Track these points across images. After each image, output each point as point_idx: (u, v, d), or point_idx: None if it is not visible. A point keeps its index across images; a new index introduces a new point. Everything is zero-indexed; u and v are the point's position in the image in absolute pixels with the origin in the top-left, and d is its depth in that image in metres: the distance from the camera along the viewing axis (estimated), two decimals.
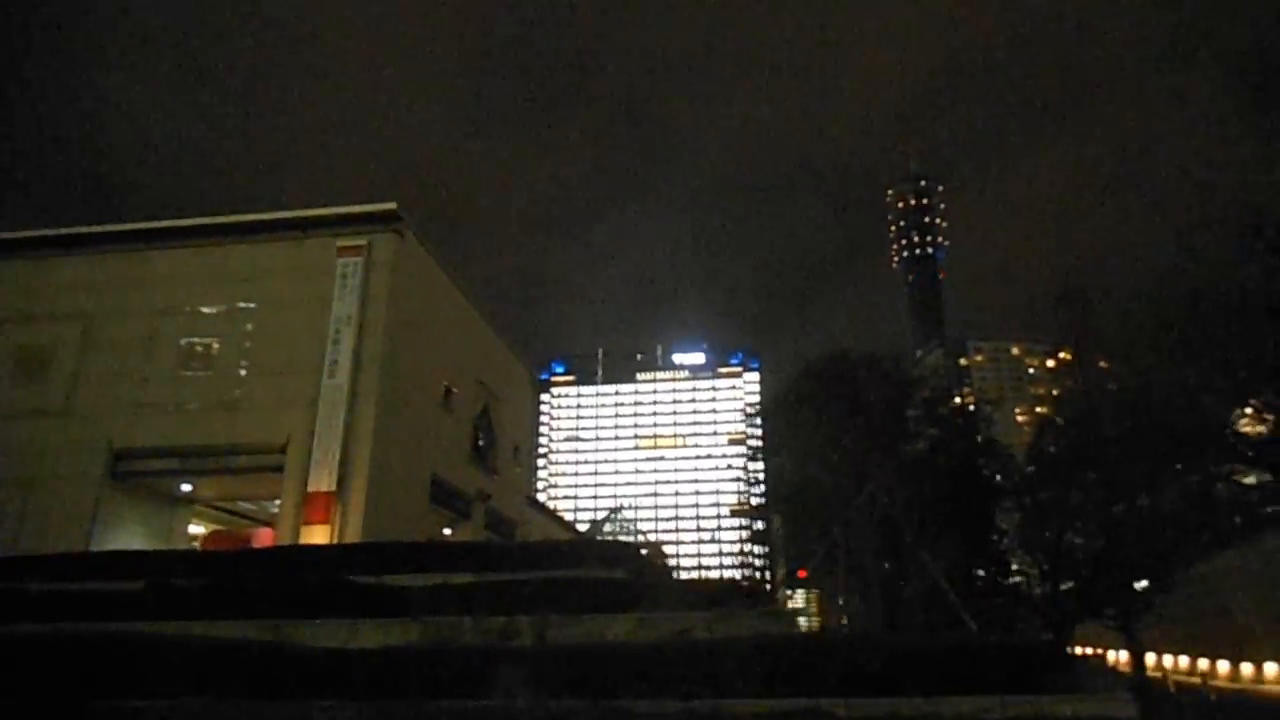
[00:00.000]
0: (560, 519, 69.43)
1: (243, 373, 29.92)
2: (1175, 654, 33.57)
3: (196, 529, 34.95)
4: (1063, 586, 33.59)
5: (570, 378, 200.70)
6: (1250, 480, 33.83)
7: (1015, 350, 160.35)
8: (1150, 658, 36.30)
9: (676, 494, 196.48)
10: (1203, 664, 30.06)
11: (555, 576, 14.51)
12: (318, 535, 27.27)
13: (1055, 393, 56.01)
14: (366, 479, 28.25)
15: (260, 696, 9.01)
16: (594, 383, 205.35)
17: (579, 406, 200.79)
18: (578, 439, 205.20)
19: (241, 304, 30.60)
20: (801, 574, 49.29)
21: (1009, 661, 8.97)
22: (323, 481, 28.07)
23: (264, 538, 31.26)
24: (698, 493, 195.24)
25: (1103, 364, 44.28)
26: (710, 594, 15.66)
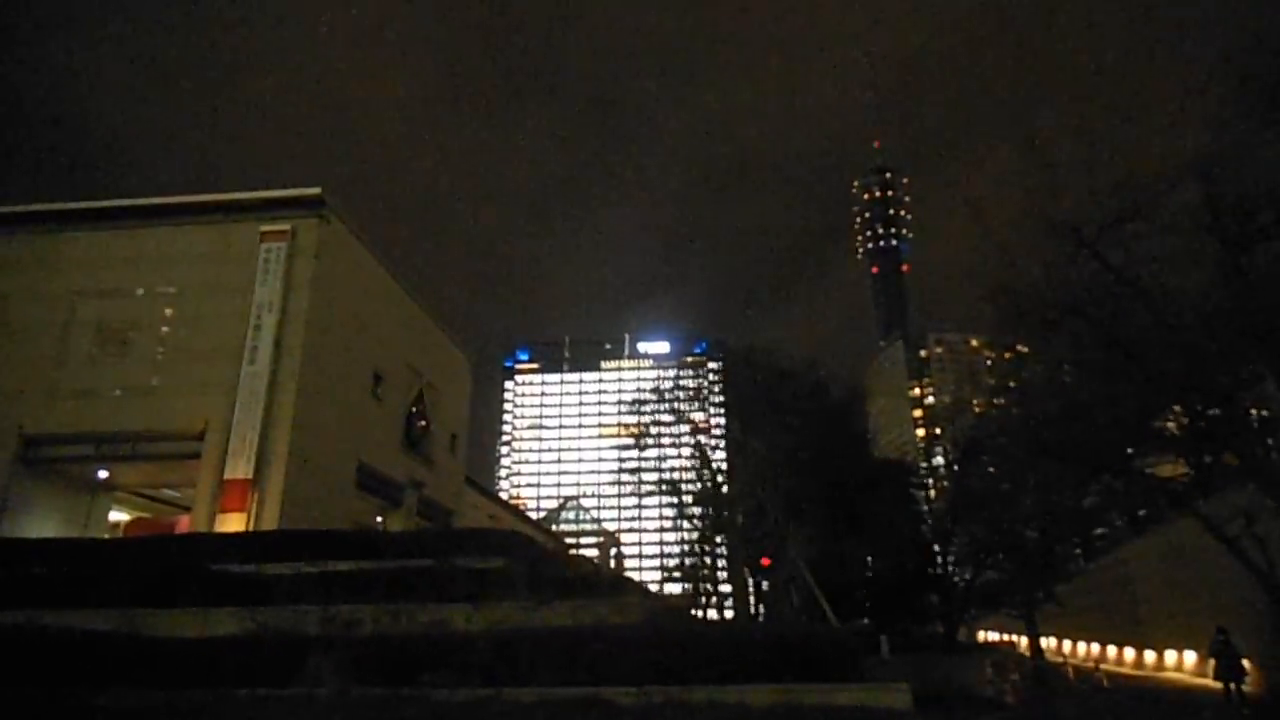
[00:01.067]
0: (506, 504, 69.35)
1: (160, 358, 29.54)
2: (1086, 641, 34.33)
3: (120, 516, 34.51)
4: (980, 579, 34.33)
5: (534, 365, 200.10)
6: (1166, 472, 34.68)
7: (974, 343, 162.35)
8: (1066, 645, 37.28)
9: (640, 482, 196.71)
10: (1111, 651, 30.77)
11: (426, 566, 14.55)
12: (233, 523, 27.03)
13: (993, 383, 56.64)
14: (285, 466, 28.04)
15: (63, 683, 8.95)
16: (560, 371, 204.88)
17: (543, 394, 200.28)
18: (541, 427, 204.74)
19: (161, 288, 30.16)
20: (765, 562, 49.80)
21: (809, 651, 9.17)
22: (239, 469, 27.82)
23: (186, 525, 30.94)
24: (660, 481, 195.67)
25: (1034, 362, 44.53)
26: (591, 584, 15.75)
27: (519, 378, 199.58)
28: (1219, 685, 19.15)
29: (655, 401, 51.12)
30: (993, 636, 49.62)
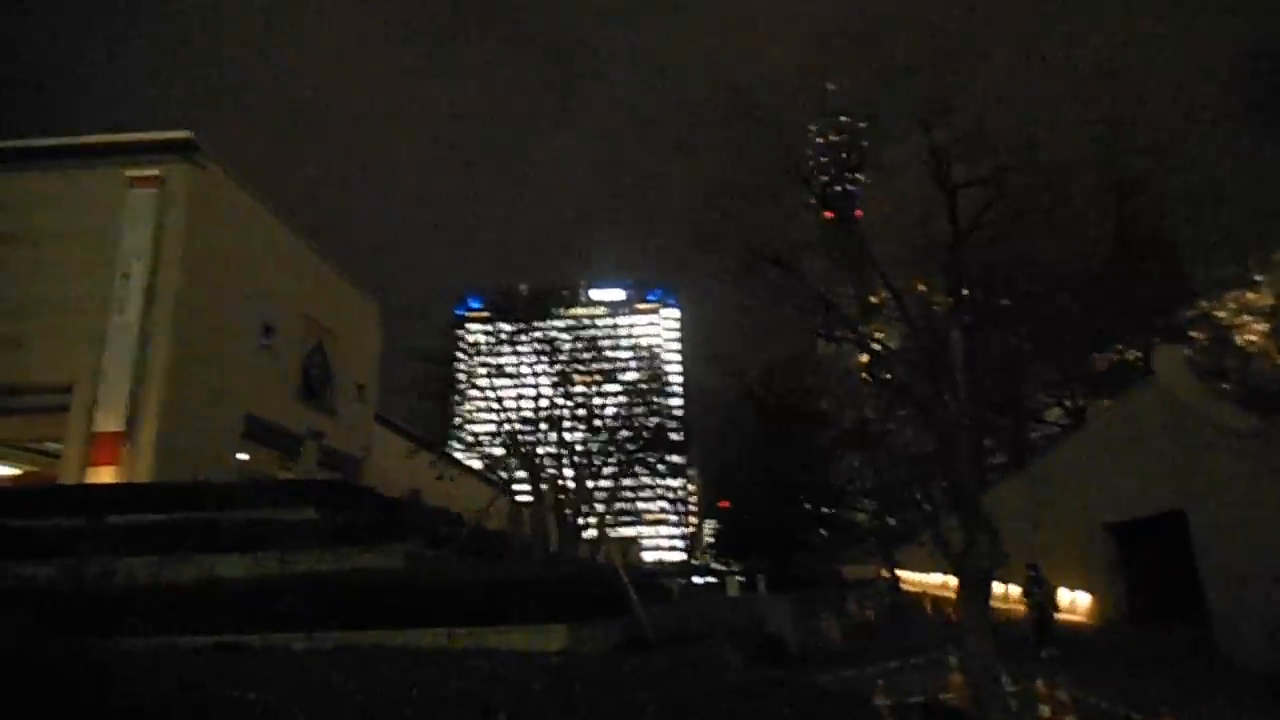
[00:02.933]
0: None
1: (24, 309, 28.63)
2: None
3: (8, 470, 33.85)
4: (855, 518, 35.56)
5: (486, 313, 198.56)
6: (1051, 417, 36.06)
7: (922, 287, 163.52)
8: (948, 580, 38.61)
9: (591, 429, 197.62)
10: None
11: (210, 518, 14.52)
12: (105, 476, 26.65)
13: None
14: (158, 418, 27.65)
15: None
16: (513, 319, 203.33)
17: (496, 342, 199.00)
18: (494, 375, 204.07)
19: (22, 235, 29.11)
20: (723, 505, 51.04)
21: (495, 596, 9.43)
22: (110, 422, 27.36)
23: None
24: (607, 427, 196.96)
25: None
26: (407, 533, 15.82)
27: (471, 326, 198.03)
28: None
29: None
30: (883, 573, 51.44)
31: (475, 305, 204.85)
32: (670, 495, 55.01)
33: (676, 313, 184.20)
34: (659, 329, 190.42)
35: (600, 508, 27.11)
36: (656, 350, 26.66)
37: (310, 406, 38.28)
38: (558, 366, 24.40)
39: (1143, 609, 21.19)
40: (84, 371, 27.67)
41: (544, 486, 18.68)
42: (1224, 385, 26.27)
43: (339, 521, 15.60)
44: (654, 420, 25.88)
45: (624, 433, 23.18)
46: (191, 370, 29.05)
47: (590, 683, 6.76)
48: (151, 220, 28.89)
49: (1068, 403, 35.27)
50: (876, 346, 15.86)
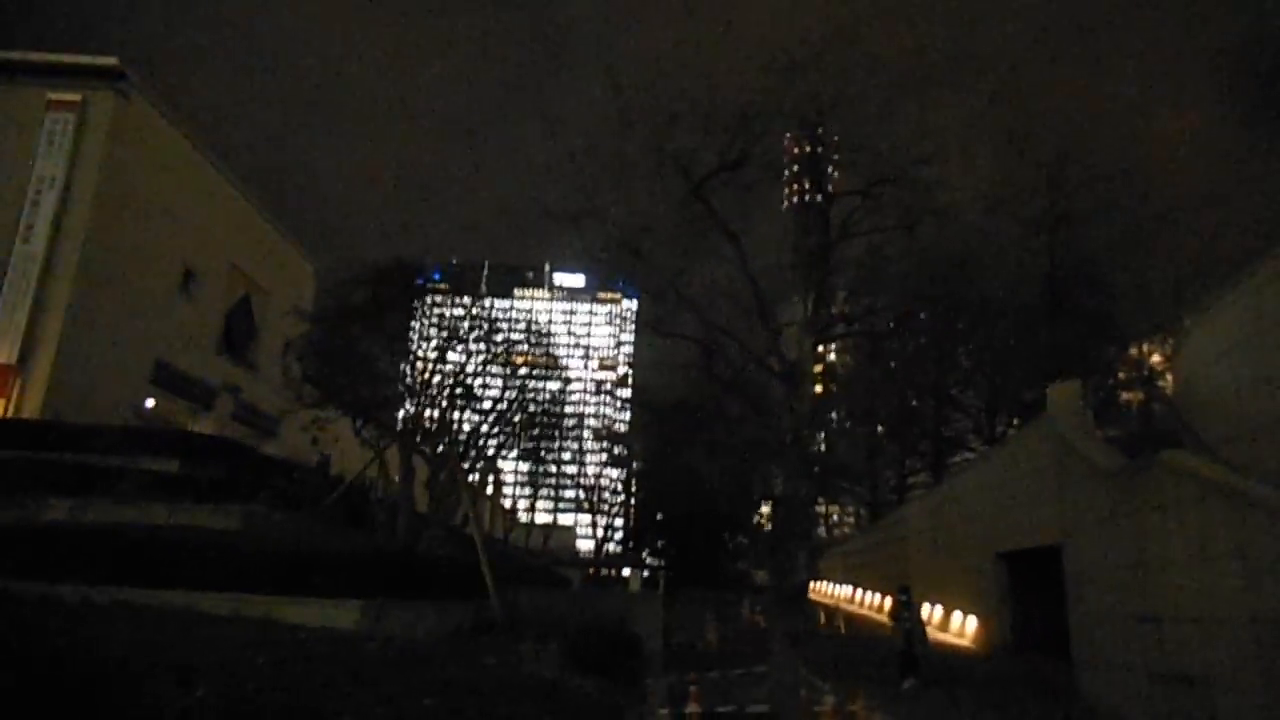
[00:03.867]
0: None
1: None
2: (872, 590, 35.59)
3: None
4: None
5: (444, 287, 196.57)
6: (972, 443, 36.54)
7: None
8: (856, 593, 38.98)
9: (543, 413, 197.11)
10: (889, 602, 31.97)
11: (78, 460, 13.79)
12: None
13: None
14: (54, 354, 26.51)
15: None
16: (474, 295, 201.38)
17: (452, 318, 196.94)
18: (448, 349, 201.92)
19: None
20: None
21: (296, 566, 8.96)
22: (1, 353, 26.19)
23: None
24: (563, 414, 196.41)
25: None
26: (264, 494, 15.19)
27: (429, 298, 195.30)
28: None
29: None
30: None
31: (436, 278, 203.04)
32: (586, 484, 54.69)
33: (635, 304, 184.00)
34: (614, 319, 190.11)
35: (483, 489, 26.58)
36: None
37: (230, 360, 37.15)
38: (490, 347, 23.83)
39: (1026, 640, 21.29)
40: None
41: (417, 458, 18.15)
42: (1106, 428, 26.63)
43: (194, 475, 14.96)
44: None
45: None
46: (98, 308, 27.91)
47: (329, 659, 6.33)
48: (67, 147, 27.66)
49: (987, 430, 35.61)
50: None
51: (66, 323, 26.72)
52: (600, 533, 52.57)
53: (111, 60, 28.41)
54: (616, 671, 10.71)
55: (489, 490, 69.28)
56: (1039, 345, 32.78)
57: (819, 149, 13.69)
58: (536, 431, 26.66)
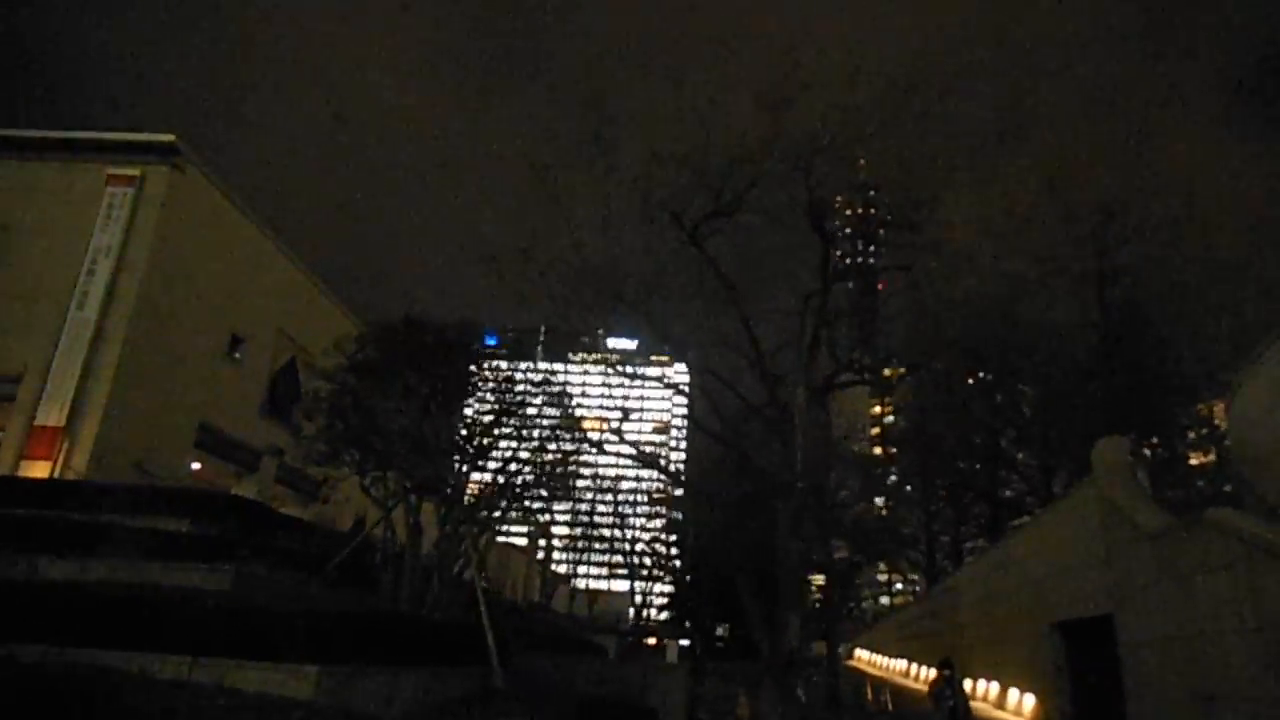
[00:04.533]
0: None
1: None
2: (924, 664, 33.70)
3: None
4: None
5: (501, 351, 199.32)
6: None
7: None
8: (907, 666, 36.89)
9: (596, 477, 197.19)
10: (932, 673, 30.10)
11: (89, 520, 13.79)
12: (38, 470, 26.16)
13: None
14: (101, 417, 27.18)
15: None
16: (530, 358, 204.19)
17: (508, 381, 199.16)
18: (505, 414, 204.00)
19: None
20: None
21: (249, 628, 8.56)
22: (51, 415, 26.92)
23: None
24: (618, 478, 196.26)
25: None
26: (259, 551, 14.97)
27: (484, 364, 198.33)
28: None
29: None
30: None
31: (491, 342, 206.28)
32: (626, 548, 53.66)
33: (684, 367, 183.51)
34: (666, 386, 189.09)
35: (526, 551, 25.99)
36: (569, 391, 25.58)
37: (275, 423, 37.69)
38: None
39: (1085, 717, 19.69)
40: (35, 363, 27.36)
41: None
42: (1172, 489, 24.97)
43: (205, 535, 14.86)
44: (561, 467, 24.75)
45: (525, 477, 22.22)
46: (144, 372, 28.62)
47: None
48: (124, 219, 28.81)
49: (1044, 490, 33.90)
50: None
51: (114, 386, 27.42)
52: (640, 600, 51.28)
53: (168, 137, 29.72)
54: None
55: (538, 553, 68.75)
56: (1094, 401, 31.32)
57: (813, 190, 13.38)
58: (545, 493, 26.11)
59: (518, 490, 21.28)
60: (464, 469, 18.89)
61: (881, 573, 78.06)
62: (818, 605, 36.34)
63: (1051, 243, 27.81)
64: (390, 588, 15.44)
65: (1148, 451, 34.10)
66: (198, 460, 32.80)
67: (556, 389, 23.12)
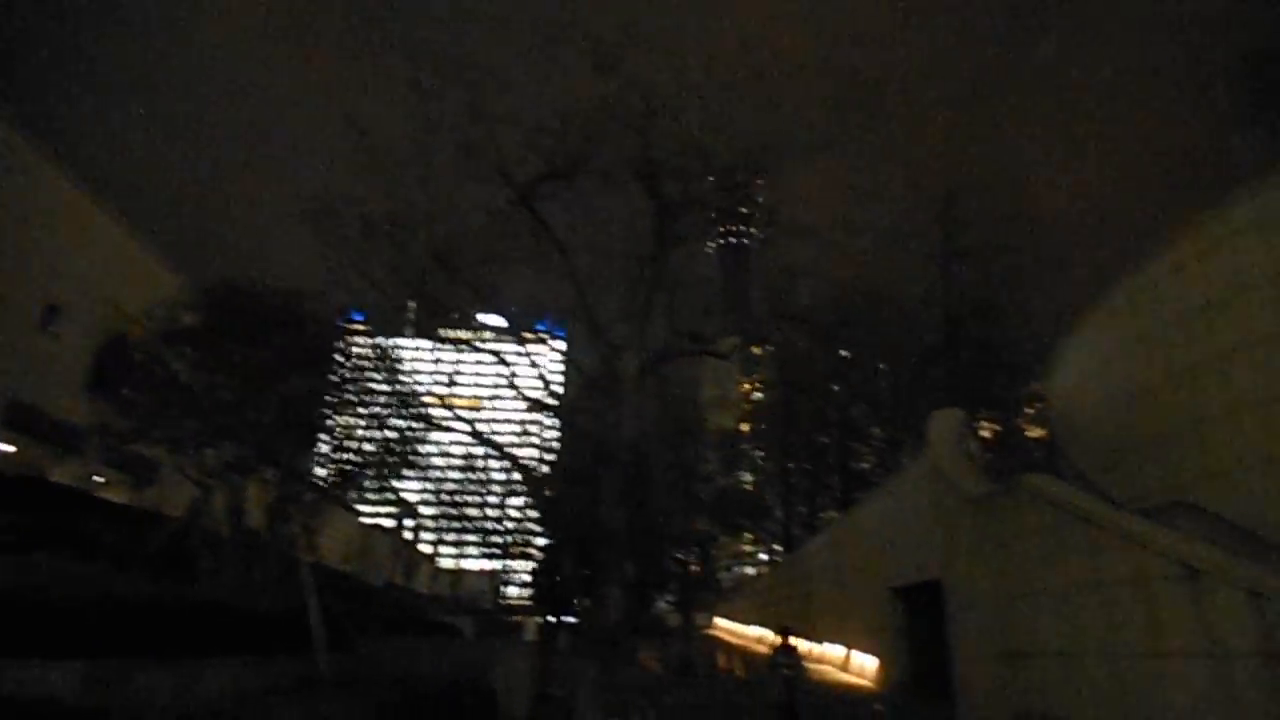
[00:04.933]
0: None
1: None
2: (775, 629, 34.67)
3: None
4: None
5: (367, 327, 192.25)
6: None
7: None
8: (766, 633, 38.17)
9: (468, 455, 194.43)
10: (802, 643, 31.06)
11: None
12: None
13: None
14: None
15: None
16: (398, 335, 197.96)
17: (374, 359, 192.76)
18: (371, 392, 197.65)
19: None
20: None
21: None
22: None
23: None
24: (488, 455, 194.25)
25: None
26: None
27: (350, 340, 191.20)
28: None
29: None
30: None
31: (358, 318, 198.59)
32: (488, 526, 52.93)
33: (563, 345, 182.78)
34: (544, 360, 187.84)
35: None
36: (396, 363, 24.48)
37: (102, 400, 34.67)
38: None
39: (920, 680, 20.67)
40: None
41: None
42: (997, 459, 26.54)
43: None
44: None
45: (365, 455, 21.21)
46: None
47: None
48: None
49: (891, 463, 35.53)
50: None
51: None
52: (502, 578, 50.68)
53: None
54: None
55: (404, 534, 66.79)
56: (940, 377, 32.86)
57: (651, 152, 13.14)
58: (387, 472, 25.02)
59: (356, 469, 20.19)
60: (293, 447, 17.72)
61: (747, 544, 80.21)
62: (683, 576, 36.73)
63: (902, 223, 28.85)
64: (210, 574, 14.31)
65: (990, 426, 36.32)
66: (8, 442, 29.76)
67: (394, 364, 22.01)
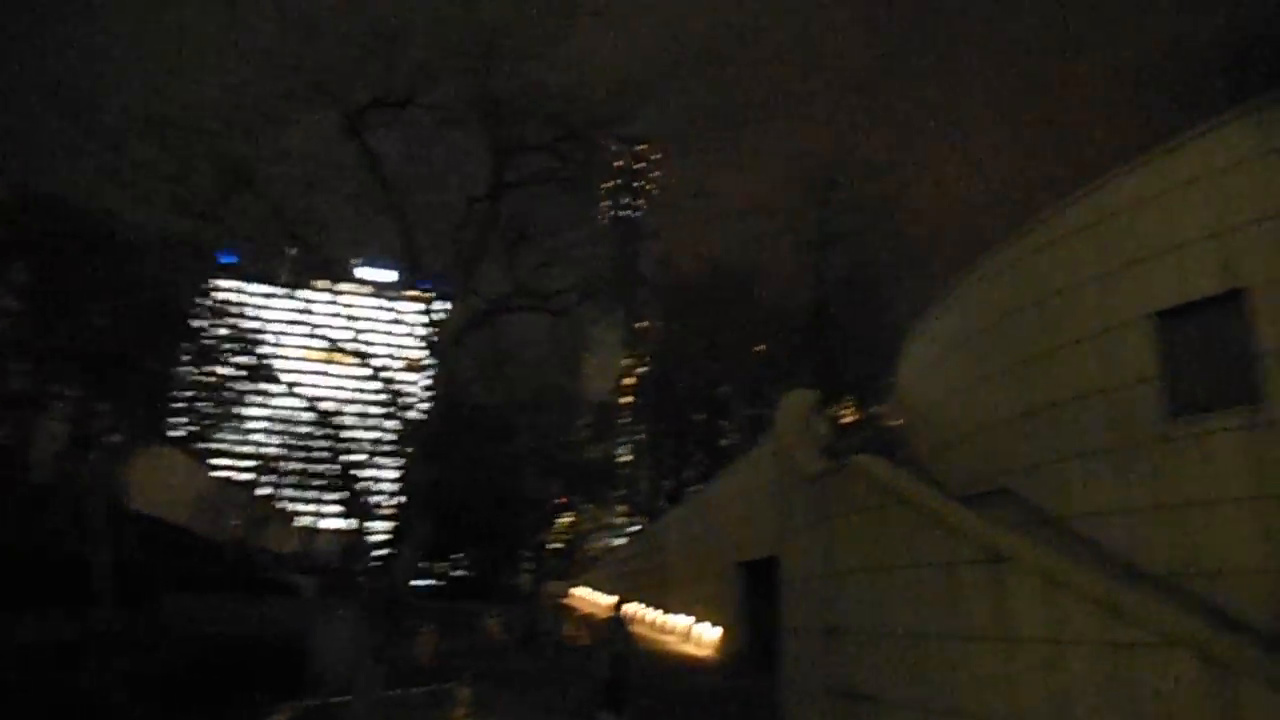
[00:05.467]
0: None
1: None
2: (641, 602, 35.01)
3: None
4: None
5: (234, 269, 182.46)
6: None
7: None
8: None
9: (339, 413, 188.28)
10: (657, 614, 31.39)
11: None
12: None
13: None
14: None
15: None
16: (274, 282, 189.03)
17: (243, 305, 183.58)
18: (240, 341, 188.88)
19: None
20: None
21: None
22: None
23: None
24: (362, 415, 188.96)
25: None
26: None
27: (220, 283, 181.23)
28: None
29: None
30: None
31: (229, 261, 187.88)
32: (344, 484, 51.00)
33: (448, 305, 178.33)
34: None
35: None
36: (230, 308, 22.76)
37: None
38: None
39: (758, 650, 21.10)
40: None
41: None
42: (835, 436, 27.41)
43: None
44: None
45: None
46: None
47: None
48: None
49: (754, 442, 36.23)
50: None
51: None
52: (358, 538, 48.80)
53: None
54: (238, 696, 8.79)
55: (261, 490, 63.58)
56: (807, 359, 33.51)
57: (485, 87, 12.50)
58: (211, 417, 23.55)
59: (189, 414, 18.79)
60: (96, 384, 16.21)
61: (621, 515, 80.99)
62: (536, 544, 36.45)
63: (782, 204, 29.07)
64: None
65: (851, 411, 37.39)
66: None
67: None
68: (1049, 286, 11.42)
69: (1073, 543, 10.14)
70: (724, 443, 38.40)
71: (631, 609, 36.98)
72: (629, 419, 60.27)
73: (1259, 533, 8.75)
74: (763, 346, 38.11)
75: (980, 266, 13.07)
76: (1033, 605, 7.93)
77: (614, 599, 15.96)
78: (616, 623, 14.21)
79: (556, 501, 34.82)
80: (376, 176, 12.51)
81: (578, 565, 55.50)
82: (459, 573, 69.84)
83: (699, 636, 25.57)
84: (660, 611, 29.74)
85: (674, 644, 26.81)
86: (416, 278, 14.32)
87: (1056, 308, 11.24)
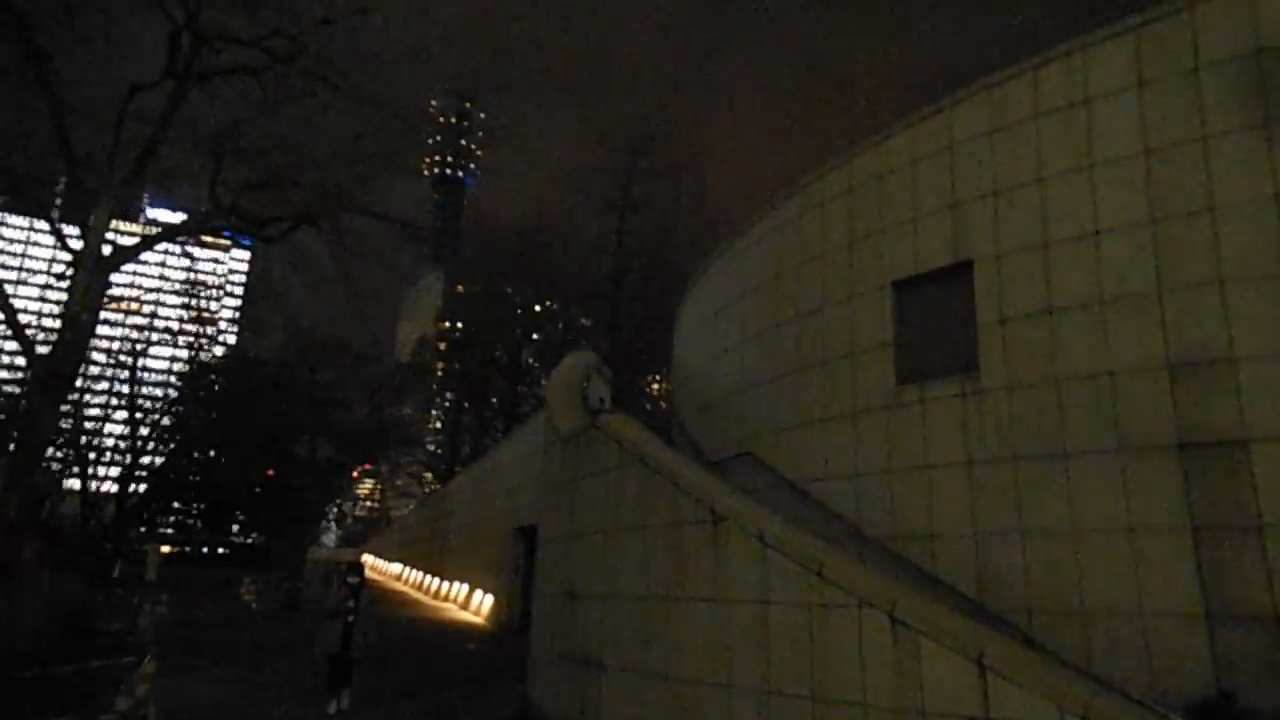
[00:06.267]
0: None
1: None
2: (424, 570, 33.90)
3: None
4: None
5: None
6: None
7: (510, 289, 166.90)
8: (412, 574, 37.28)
9: (117, 361, 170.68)
10: (437, 582, 30.33)
11: None
12: None
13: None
14: None
15: None
16: (46, 217, 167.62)
17: (10, 240, 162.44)
18: (23, 283, 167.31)
19: None
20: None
21: None
22: None
23: None
24: (146, 368, 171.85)
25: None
26: None
27: None
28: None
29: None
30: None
31: None
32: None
33: (246, 255, 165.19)
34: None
35: None
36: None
37: None
38: None
39: (525, 616, 20.66)
40: None
41: None
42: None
43: None
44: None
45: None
46: None
47: None
48: None
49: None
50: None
51: None
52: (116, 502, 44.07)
53: None
54: None
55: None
56: (607, 328, 33.21)
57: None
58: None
59: None
60: None
61: (429, 484, 78.97)
62: (298, 505, 34.33)
63: (589, 167, 28.51)
64: None
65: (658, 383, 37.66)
66: None
67: None
68: (805, 253, 11.46)
69: (802, 505, 10.21)
70: (525, 410, 37.65)
71: (413, 575, 35.65)
72: (433, 381, 58.35)
73: (967, 498, 9.07)
74: (567, 311, 37.64)
75: (746, 232, 13.02)
76: (747, 567, 7.76)
77: (361, 557, 14.69)
78: (354, 587, 11.98)
79: (362, 467, 32.80)
80: (21, 41, 10.57)
81: (333, 527, 52.93)
82: (245, 539, 65.24)
83: (478, 605, 24.85)
84: (440, 579, 28.68)
85: (452, 612, 25.93)
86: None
87: (809, 274, 11.29)
